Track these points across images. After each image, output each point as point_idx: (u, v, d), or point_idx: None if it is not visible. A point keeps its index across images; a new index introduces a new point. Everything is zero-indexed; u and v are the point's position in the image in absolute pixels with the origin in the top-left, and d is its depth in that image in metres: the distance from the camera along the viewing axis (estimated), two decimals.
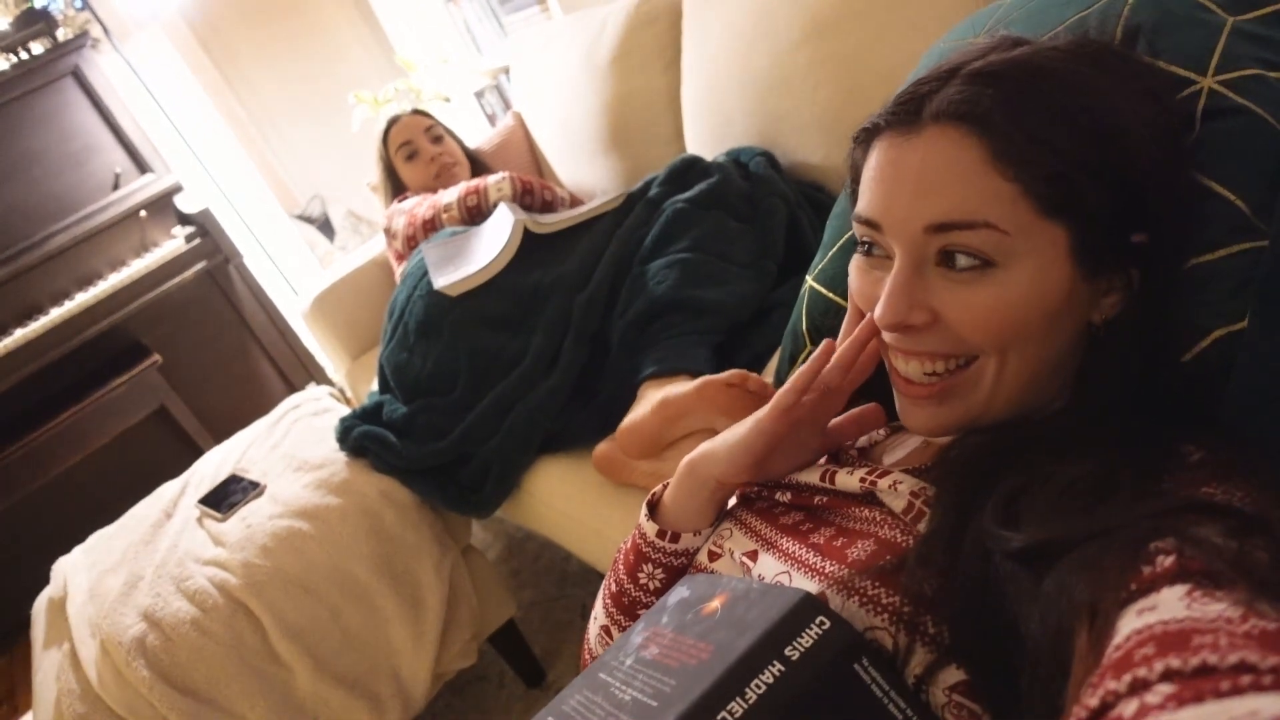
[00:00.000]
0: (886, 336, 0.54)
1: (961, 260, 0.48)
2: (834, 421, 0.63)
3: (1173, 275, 0.50)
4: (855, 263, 0.56)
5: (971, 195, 0.46)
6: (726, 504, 0.66)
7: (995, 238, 0.46)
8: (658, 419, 1.05)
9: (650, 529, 0.64)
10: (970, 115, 0.46)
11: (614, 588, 0.67)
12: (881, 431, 0.65)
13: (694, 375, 1.11)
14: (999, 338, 0.48)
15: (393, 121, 1.86)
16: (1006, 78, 0.47)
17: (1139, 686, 0.29)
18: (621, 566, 0.67)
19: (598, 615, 0.70)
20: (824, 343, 0.59)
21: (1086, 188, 0.46)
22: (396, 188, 1.89)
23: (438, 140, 1.86)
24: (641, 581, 0.65)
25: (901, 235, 0.50)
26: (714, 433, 1.04)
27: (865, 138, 0.54)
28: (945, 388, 0.51)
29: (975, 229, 0.46)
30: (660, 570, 0.64)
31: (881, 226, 0.51)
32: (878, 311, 0.51)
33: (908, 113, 0.49)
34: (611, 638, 0.67)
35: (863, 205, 0.53)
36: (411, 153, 1.83)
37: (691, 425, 1.05)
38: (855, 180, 0.56)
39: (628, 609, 0.66)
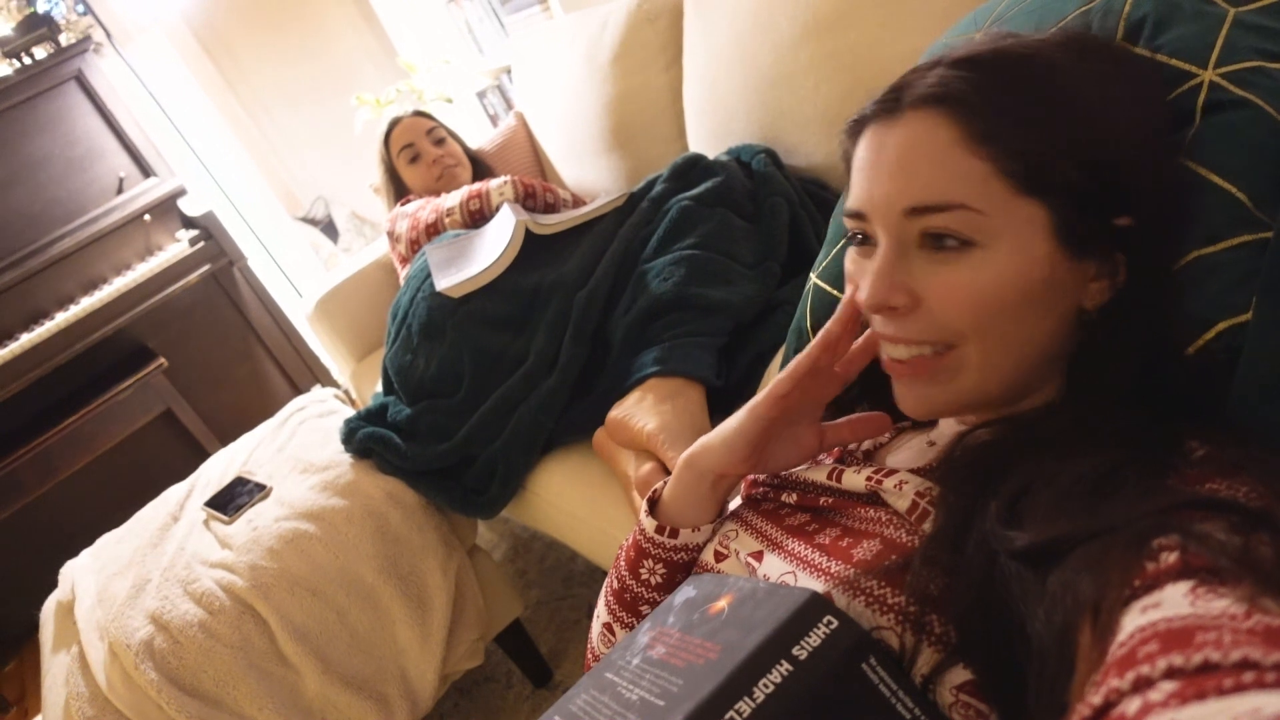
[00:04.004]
0: (874, 323, 0.54)
1: (941, 241, 0.49)
2: (834, 422, 0.63)
3: (1164, 262, 0.51)
4: (849, 253, 0.56)
5: (945, 176, 0.47)
6: (727, 498, 0.66)
7: (971, 218, 0.47)
8: (645, 443, 1.06)
9: (649, 525, 0.64)
10: (944, 97, 0.48)
11: (615, 584, 0.67)
12: (885, 434, 0.65)
13: (696, 381, 1.11)
14: (978, 319, 0.49)
15: (394, 124, 1.86)
16: (983, 63, 0.48)
17: (1142, 684, 0.29)
18: (623, 563, 0.67)
19: (600, 613, 0.70)
20: (821, 331, 0.60)
21: (1060, 165, 0.46)
22: (399, 190, 1.89)
23: (440, 142, 1.86)
24: (643, 577, 0.65)
25: (883, 220, 0.51)
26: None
27: (854, 129, 0.55)
28: (931, 367, 0.52)
29: (950, 210, 0.47)
30: (661, 565, 0.64)
31: (866, 215, 0.52)
32: (861, 293, 0.52)
33: (891, 101, 0.51)
34: (614, 635, 0.67)
35: (850, 198, 0.54)
36: (414, 155, 1.83)
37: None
38: (850, 173, 0.57)
39: (629, 605, 0.66)
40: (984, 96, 0.47)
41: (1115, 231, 0.48)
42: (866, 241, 0.54)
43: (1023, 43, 0.49)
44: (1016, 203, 0.47)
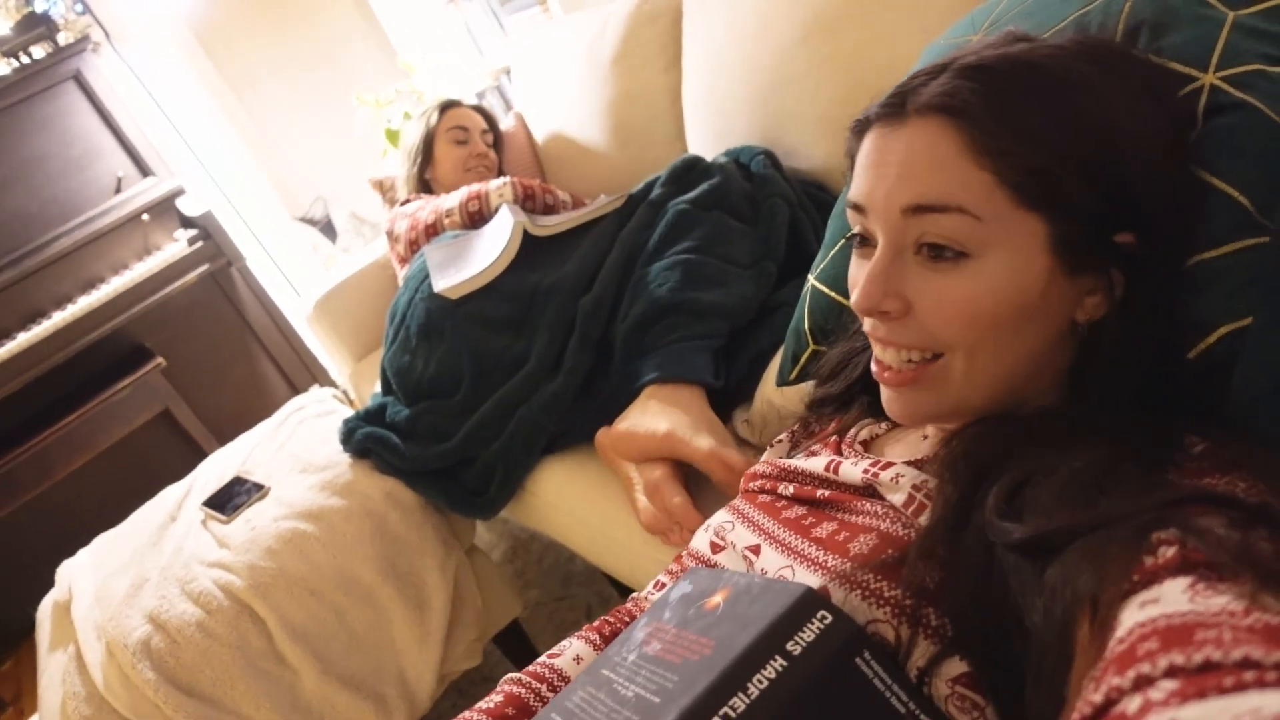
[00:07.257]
0: (865, 324, 0.55)
1: (937, 249, 0.49)
2: None
3: (1168, 278, 0.50)
4: (852, 259, 0.57)
5: (947, 180, 0.47)
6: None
7: (968, 223, 0.47)
8: (662, 445, 1.05)
9: None
10: (949, 107, 0.48)
11: None
12: (883, 425, 0.65)
13: (695, 385, 1.11)
14: (969, 332, 0.49)
15: (456, 103, 1.88)
16: (994, 72, 0.48)
17: (1143, 682, 0.29)
18: None
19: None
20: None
21: (1068, 183, 0.46)
22: (426, 159, 1.88)
23: (490, 145, 1.88)
24: None
25: (882, 218, 0.51)
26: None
27: (859, 129, 0.55)
28: (917, 376, 0.52)
29: (948, 212, 0.47)
30: None
31: (865, 210, 0.52)
32: (854, 296, 0.52)
33: (895, 105, 0.51)
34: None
35: (852, 190, 0.54)
36: (463, 139, 1.84)
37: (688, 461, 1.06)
38: (853, 168, 0.57)
39: None
40: (989, 108, 0.47)
41: (1115, 248, 0.48)
42: (866, 242, 0.54)
43: (1036, 50, 0.49)
44: (1017, 215, 0.47)
